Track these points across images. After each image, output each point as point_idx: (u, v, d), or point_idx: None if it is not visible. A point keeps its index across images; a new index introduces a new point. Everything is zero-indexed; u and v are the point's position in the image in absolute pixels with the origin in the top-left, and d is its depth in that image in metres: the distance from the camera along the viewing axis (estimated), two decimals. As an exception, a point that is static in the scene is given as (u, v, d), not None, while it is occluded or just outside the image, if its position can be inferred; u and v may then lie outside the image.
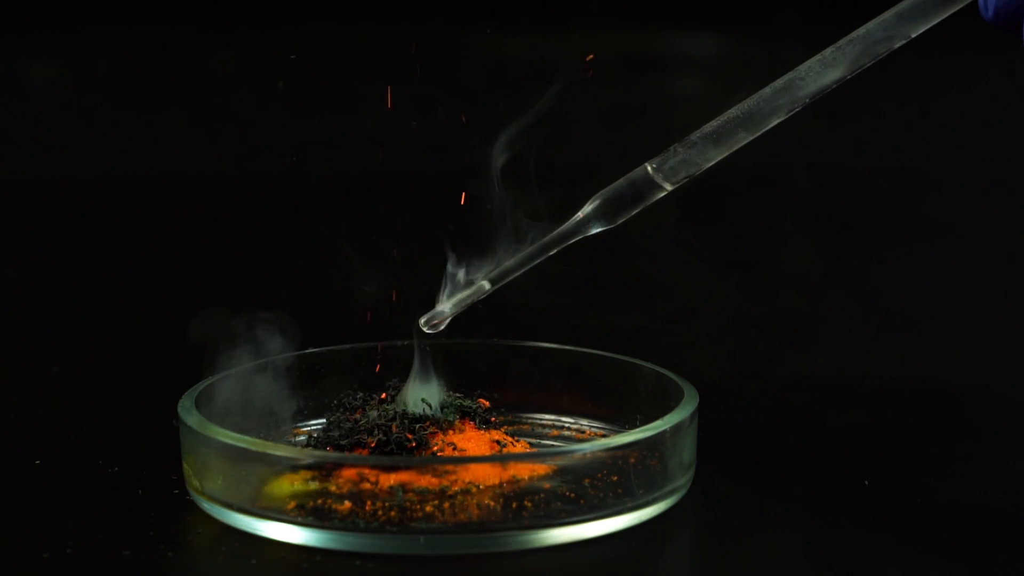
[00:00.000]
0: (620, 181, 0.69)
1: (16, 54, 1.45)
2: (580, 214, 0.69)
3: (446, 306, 0.71)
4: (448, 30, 1.39)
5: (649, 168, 0.69)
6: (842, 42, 0.67)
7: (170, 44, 1.44)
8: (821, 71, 0.67)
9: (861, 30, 0.67)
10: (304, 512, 0.63)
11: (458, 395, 0.72)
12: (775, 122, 0.68)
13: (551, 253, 0.70)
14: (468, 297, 0.70)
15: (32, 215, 1.30)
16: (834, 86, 0.67)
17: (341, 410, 0.72)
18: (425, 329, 0.71)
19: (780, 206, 1.33)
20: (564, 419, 0.77)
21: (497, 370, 0.77)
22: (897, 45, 0.66)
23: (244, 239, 1.24)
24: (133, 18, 1.43)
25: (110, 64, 1.45)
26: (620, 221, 0.70)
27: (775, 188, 1.36)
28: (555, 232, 0.70)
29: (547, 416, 0.78)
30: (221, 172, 1.38)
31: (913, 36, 0.66)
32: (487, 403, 0.73)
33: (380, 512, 0.62)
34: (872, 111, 1.46)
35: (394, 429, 0.68)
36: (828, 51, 0.67)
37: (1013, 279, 1.14)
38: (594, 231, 0.70)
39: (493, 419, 0.72)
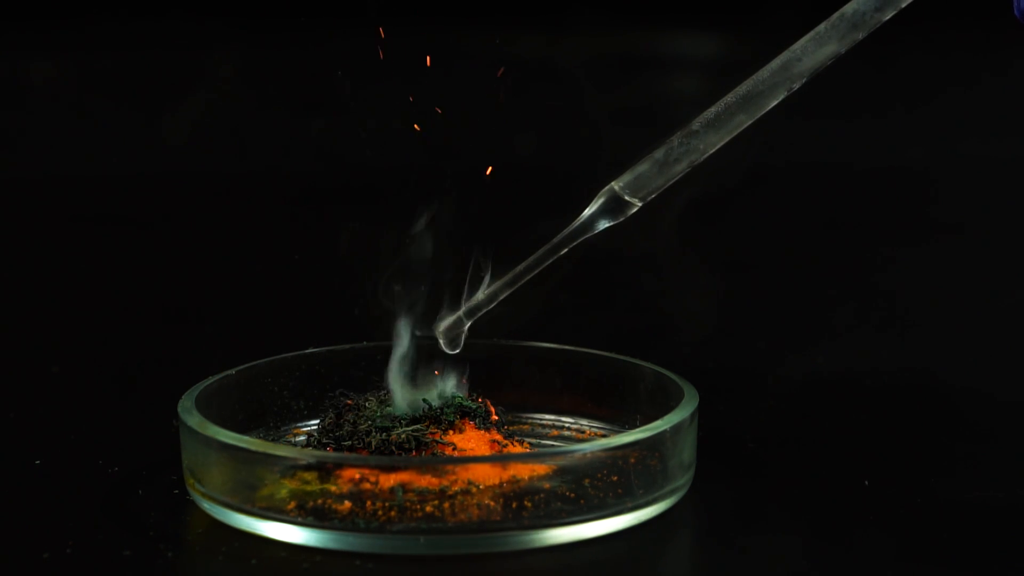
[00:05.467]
0: (625, 175, 0.69)
1: (16, 54, 1.44)
2: (587, 211, 0.69)
3: (461, 315, 0.70)
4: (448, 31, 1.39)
5: (651, 160, 0.68)
6: (834, 17, 0.67)
7: (170, 44, 1.44)
8: (816, 48, 0.67)
9: (852, 3, 0.66)
10: (304, 512, 0.63)
11: (462, 395, 0.72)
12: (774, 103, 0.67)
13: (562, 253, 0.70)
14: (482, 305, 0.70)
15: (32, 215, 1.30)
16: (830, 62, 0.67)
17: (334, 411, 0.72)
18: (446, 348, 0.71)
19: (780, 206, 1.33)
20: (564, 419, 0.77)
21: (497, 370, 0.77)
22: (888, 16, 0.66)
23: (243, 239, 1.24)
24: (133, 18, 1.43)
25: (110, 64, 1.45)
26: (627, 216, 0.69)
27: (775, 188, 1.36)
28: (565, 231, 0.69)
29: (547, 416, 0.78)
30: (221, 172, 1.38)
31: (903, 6, 0.66)
32: (492, 405, 0.73)
33: (380, 512, 0.62)
34: (872, 111, 1.46)
35: (393, 438, 0.68)
36: (821, 27, 0.67)
37: (1013, 279, 1.14)
38: (602, 227, 0.69)
39: (496, 417, 0.72)
